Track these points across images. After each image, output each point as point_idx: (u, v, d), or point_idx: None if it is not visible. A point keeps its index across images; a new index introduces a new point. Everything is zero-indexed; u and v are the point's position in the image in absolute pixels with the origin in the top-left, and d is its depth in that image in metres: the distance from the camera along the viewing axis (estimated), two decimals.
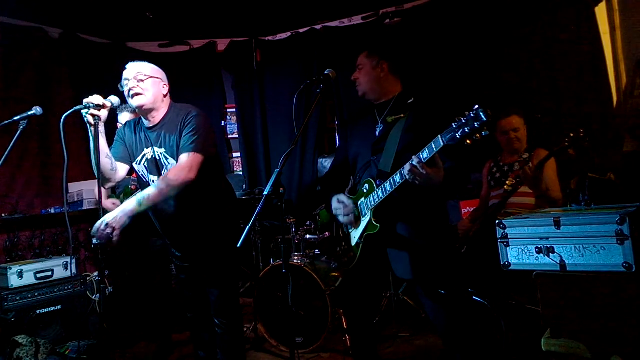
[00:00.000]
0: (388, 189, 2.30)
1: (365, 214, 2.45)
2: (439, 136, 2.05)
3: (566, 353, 1.89)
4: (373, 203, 2.39)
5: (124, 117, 3.93)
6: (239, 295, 2.99)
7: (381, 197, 2.34)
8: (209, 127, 2.65)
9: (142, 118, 2.70)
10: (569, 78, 4.18)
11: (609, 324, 1.82)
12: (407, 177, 2.15)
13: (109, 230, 2.33)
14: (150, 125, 2.66)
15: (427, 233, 2.40)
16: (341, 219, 2.52)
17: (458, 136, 1.98)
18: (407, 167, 2.14)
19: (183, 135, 2.54)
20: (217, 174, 2.79)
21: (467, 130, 1.96)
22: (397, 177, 2.24)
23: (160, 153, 2.61)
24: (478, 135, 1.96)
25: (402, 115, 2.43)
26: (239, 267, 3.03)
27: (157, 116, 2.65)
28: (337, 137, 5.82)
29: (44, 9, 4.55)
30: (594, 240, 1.87)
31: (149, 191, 2.44)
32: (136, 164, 2.72)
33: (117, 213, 2.36)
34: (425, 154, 2.10)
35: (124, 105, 3.88)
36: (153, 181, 2.67)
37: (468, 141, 1.98)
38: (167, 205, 2.64)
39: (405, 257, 2.39)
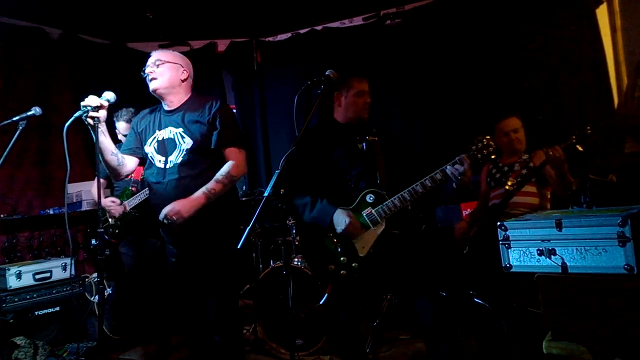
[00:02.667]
0: (407, 198, 2.45)
1: (378, 223, 2.51)
2: (464, 155, 2.45)
3: (567, 355, 1.88)
4: (388, 211, 2.48)
5: (120, 126, 3.92)
6: (238, 304, 2.95)
7: (398, 206, 2.47)
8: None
9: (162, 102, 2.79)
10: (570, 80, 4.17)
11: (611, 326, 1.81)
12: (455, 176, 2.39)
13: (179, 219, 2.51)
14: (170, 109, 2.76)
15: (426, 236, 2.51)
16: (350, 233, 2.50)
17: (479, 156, 2.47)
18: (455, 168, 2.39)
19: (223, 126, 2.67)
20: None
21: (484, 152, 2.47)
22: (420, 187, 2.44)
23: (178, 132, 2.68)
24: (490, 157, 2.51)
25: (375, 137, 2.67)
26: (239, 273, 3.02)
27: (176, 100, 2.75)
28: None
29: (44, 9, 4.54)
30: (596, 242, 1.86)
31: (214, 186, 2.60)
32: (147, 145, 2.78)
33: (187, 204, 2.53)
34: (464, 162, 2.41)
35: (120, 113, 3.89)
36: (160, 161, 2.71)
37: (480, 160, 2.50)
38: (170, 192, 2.65)
39: (409, 260, 2.50)
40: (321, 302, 2.62)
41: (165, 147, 2.70)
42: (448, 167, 2.41)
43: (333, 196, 2.63)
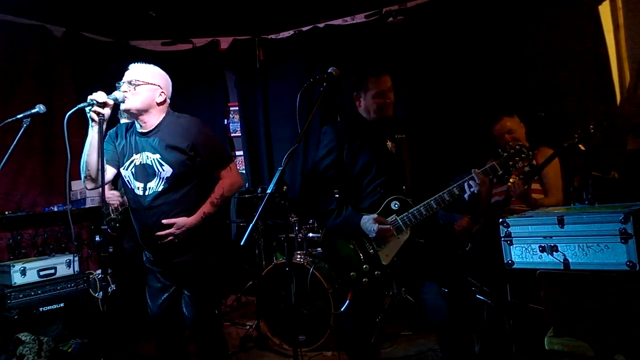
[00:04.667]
0: (434, 206, 2.40)
1: (402, 231, 2.46)
2: (495, 163, 2.47)
3: (569, 352, 1.89)
4: (414, 220, 2.43)
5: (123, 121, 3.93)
6: (218, 317, 2.91)
7: (424, 214, 2.42)
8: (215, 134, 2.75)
9: (135, 122, 2.66)
10: (572, 77, 4.16)
11: (612, 322, 1.82)
12: (473, 189, 2.38)
13: (175, 240, 2.53)
14: (144, 131, 2.62)
15: (443, 237, 2.55)
16: (378, 240, 2.47)
17: (511, 163, 2.49)
18: (472, 183, 2.39)
19: (207, 153, 2.60)
20: (209, 188, 2.70)
21: (517, 159, 2.46)
22: (447, 195, 2.39)
23: (155, 159, 2.56)
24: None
25: (403, 136, 2.59)
26: (221, 288, 2.94)
27: (150, 122, 2.61)
28: None
29: (47, 8, 4.55)
30: (598, 239, 1.87)
31: (209, 209, 2.59)
32: (123, 169, 2.66)
33: (183, 229, 2.53)
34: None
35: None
36: (138, 188, 2.60)
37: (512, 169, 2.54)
38: (153, 219, 2.59)
39: (431, 262, 2.48)
40: (342, 309, 2.60)
41: (144, 174, 2.58)
42: (467, 182, 2.41)
43: (359, 200, 2.57)
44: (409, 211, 2.44)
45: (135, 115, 2.60)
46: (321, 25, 5.54)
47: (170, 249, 2.60)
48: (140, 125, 2.63)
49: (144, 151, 2.60)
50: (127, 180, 2.65)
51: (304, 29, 5.68)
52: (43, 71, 4.81)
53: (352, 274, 2.51)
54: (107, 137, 2.71)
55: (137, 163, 2.61)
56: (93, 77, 5.03)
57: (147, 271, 2.82)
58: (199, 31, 5.71)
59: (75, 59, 5.06)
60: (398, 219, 2.46)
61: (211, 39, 5.85)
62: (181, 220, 2.53)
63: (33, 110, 2.51)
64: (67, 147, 2.26)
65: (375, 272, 2.48)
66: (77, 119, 2.40)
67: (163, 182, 2.56)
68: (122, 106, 2.53)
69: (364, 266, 2.49)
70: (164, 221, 2.54)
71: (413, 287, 2.60)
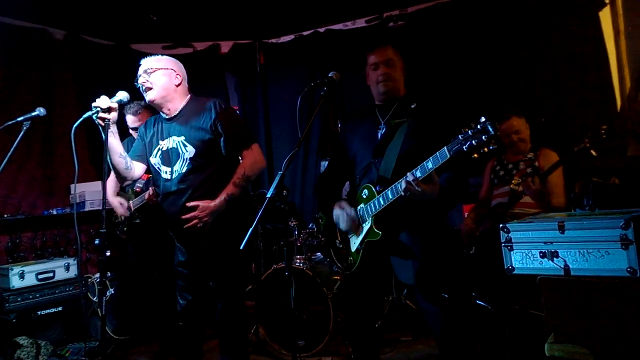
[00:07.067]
0: (390, 197, 2.29)
1: (366, 221, 2.43)
2: (445, 148, 2.04)
3: (570, 358, 1.88)
4: (374, 210, 2.37)
5: (129, 119, 3.92)
6: (245, 305, 2.91)
7: (382, 205, 2.32)
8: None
9: (160, 112, 2.77)
10: (573, 82, 4.17)
11: (613, 329, 1.81)
12: (402, 193, 2.18)
13: (200, 224, 2.55)
14: (169, 117, 2.72)
15: (430, 239, 2.38)
16: (342, 225, 2.50)
17: (465, 149, 1.97)
18: (402, 183, 2.16)
19: (227, 132, 2.63)
20: (232, 170, 2.72)
21: (474, 143, 1.94)
22: (398, 187, 2.23)
23: (179, 141, 2.65)
24: (485, 149, 1.95)
25: (405, 120, 2.40)
26: (247, 274, 2.99)
27: (174, 107, 2.71)
28: None
29: (47, 11, 4.56)
30: (598, 245, 1.86)
31: (232, 191, 2.59)
32: (152, 157, 2.76)
33: (207, 212, 2.55)
34: (420, 172, 2.12)
35: (128, 106, 3.88)
36: (166, 172, 2.69)
37: (475, 155, 1.97)
38: (179, 202, 2.64)
39: (408, 263, 2.37)
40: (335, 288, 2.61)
41: (170, 158, 2.68)
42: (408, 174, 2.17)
43: (353, 188, 2.59)
44: (371, 200, 2.39)
45: (160, 105, 2.70)
46: (322, 29, 5.55)
47: (196, 235, 2.63)
48: (166, 113, 2.74)
49: (170, 136, 2.70)
50: (157, 168, 2.74)
51: (305, 33, 5.69)
52: (44, 74, 4.82)
53: (334, 256, 2.62)
54: (138, 133, 2.90)
55: (164, 149, 2.71)
56: (94, 80, 5.05)
57: (175, 273, 2.89)
58: (200, 35, 5.72)
59: (76, 62, 5.07)
60: (362, 207, 2.44)
61: (212, 42, 5.86)
62: (204, 203, 2.56)
63: (33, 113, 2.52)
64: (75, 157, 2.28)
65: (350, 258, 2.51)
66: (74, 122, 2.39)
67: (187, 163, 2.63)
68: (147, 98, 2.65)
69: (342, 250, 2.56)
70: (187, 204, 2.58)
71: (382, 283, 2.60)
